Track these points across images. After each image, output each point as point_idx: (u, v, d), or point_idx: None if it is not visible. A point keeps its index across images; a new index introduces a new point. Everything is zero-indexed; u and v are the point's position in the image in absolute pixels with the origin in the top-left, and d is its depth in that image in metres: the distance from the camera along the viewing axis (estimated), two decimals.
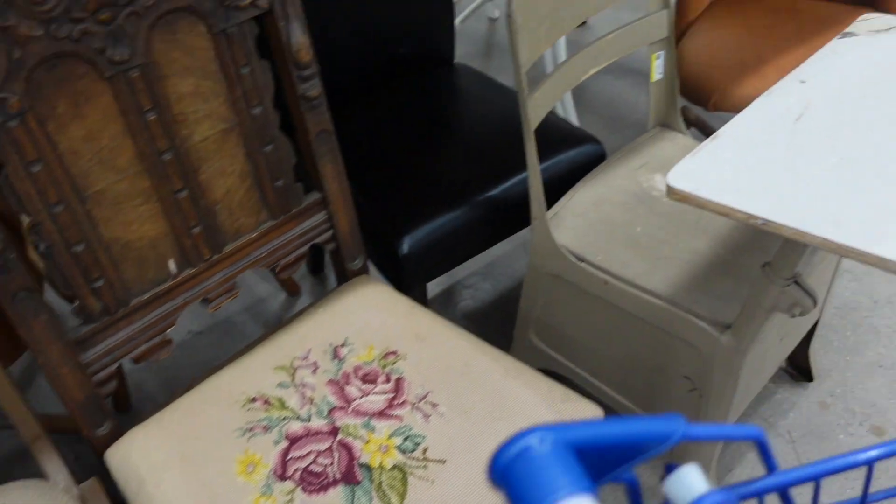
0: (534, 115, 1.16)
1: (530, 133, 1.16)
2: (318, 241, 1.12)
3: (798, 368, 1.56)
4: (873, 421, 1.49)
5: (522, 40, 1.09)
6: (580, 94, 2.37)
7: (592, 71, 1.28)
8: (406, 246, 1.26)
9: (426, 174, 1.35)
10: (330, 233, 1.13)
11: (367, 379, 1.03)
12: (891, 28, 1.13)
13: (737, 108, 1.52)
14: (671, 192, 0.89)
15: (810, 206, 0.83)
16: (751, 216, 0.83)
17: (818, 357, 1.59)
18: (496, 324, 1.72)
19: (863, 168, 0.88)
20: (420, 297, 1.38)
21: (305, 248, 1.11)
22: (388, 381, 1.03)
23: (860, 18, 1.17)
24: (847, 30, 1.15)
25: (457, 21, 2.49)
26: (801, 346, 1.51)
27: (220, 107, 0.94)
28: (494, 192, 1.33)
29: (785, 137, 0.93)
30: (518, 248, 1.91)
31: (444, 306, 1.76)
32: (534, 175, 1.21)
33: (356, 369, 1.05)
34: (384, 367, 1.05)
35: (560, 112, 2.01)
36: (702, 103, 1.56)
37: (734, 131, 0.96)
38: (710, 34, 1.66)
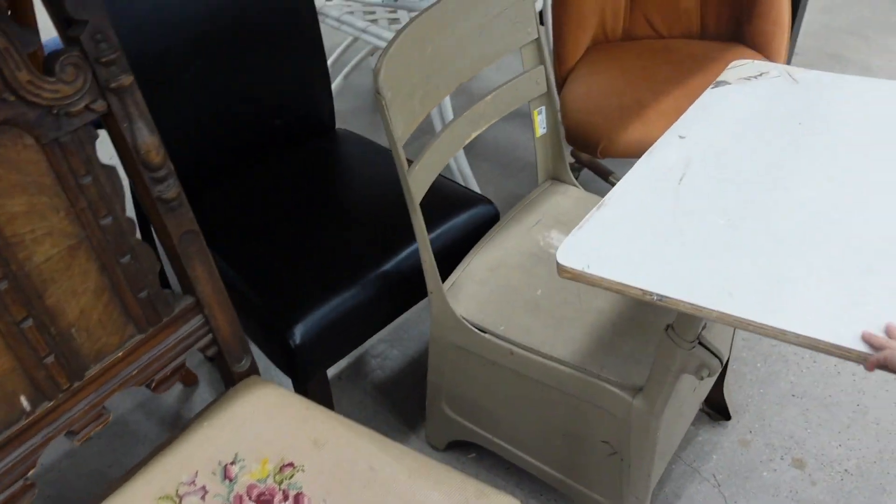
0: (417, 188, 1.11)
1: (415, 207, 1.11)
2: (196, 347, 1.03)
3: (715, 407, 1.54)
4: (794, 454, 1.48)
5: (395, 115, 1.04)
6: (471, 143, 2.34)
7: (474, 135, 1.24)
8: (298, 336, 1.17)
9: (314, 254, 1.28)
10: (209, 337, 1.03)
11: (263, 499, 0.94)
12: (761, 74, 1.14)
13: (624, 154, 1.52)
14: (561, 270, 0.84)
15: (704, 277, 0.79)
16: (645, 292, 0.79)
17: (733, 393, 1.59)
18: (409, 393, 1.64)
19: (751, 228, 0.85)
20: (320, 387, 1.30)
21: (182, 357, 1.01)
22: (286, 498, 0.94)
23: (731, 66, 1.17)
24: (719, 78, 1.15)
25: (340, 77, 2.43)
26: (715, 384, 1.50)
27: (62, 222, 0.84)
28: (388, 266, 1.26)
29: (671, 201, 0.91)
30: (425, 310, 1.84)
31: (352, 381, 1.67)
32: (424, 249, 1.15)
33: (250, 489, 0.95)
34: (280, 482, 0.95)
35: (452, 165, 1.97)
36: (590, 151, 1.55)
37: (619, 198, 0.93)
38: (589, 81, 1.66)
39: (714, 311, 0.76)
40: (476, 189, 2.00)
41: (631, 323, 1.17)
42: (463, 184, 1.99)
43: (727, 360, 1.44)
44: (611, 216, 0.90)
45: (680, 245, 0.84)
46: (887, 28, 2.94)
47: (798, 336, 0.72)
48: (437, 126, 1.89)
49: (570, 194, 1.42)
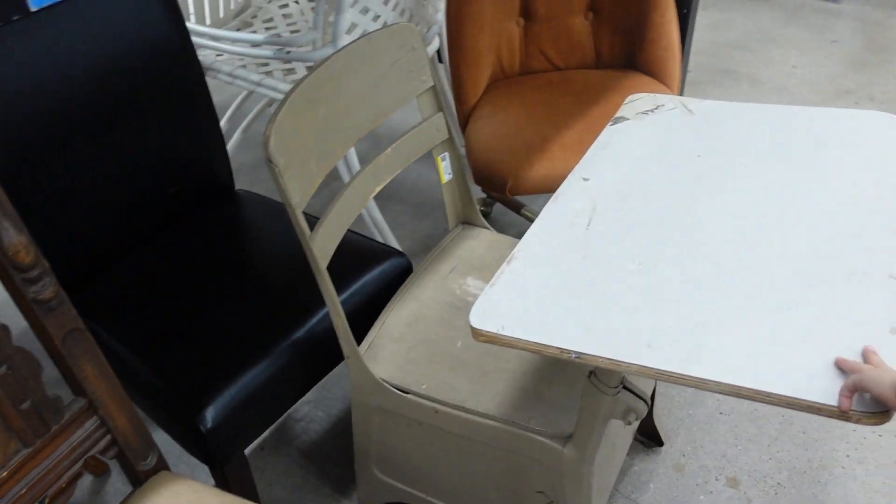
0: (321, 252, 1.06)
1: (321, 271, 1.06)
2: (93, 452, 0.94)
3: (647, 435, 1.54)
4: (727, 472, 1.49)
5: (290, 181, 0.99)
6: (383, 188, 2.31)
7: (378, 188, 1.21)
8: (210, 419, 1.10)
9: (220, 328, 1.21)
10: (107, 439, 0.95)
11: None
12: (657, 107, 1.15)
13: (532, 191, 1.51)
14: (477, 334, 0.81)
15: (621, 329, 0.77)
16: (563, 350, 0.77)
17: (663, 418, 1.58)
18: (339, 456, 1.57)
19: (662, 272, 0.84)
20: (240, 469, 1.22)
21: (79, 465, 0.93)
22: None
23: (627, 100, 1.18)
24: (617, 114, 1.15)
25: (238, 131, 2.36)
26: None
27: None
28: (301, 332, 1.21)
29: (580, 249, 0.89)
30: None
31: (276, 449, 1.60)
32: (335, 313, 1.10)
33: None
34: None
35: (363, 211, 1.93)
36: (498, 191, 1.54)
37: (529, 248, 0.90)
38: (492, 119, 1.65)
39: (633, 364, 0.74)
40: (390, 234, 1.96)
41: (555, 369, 1.14)
42: (375, 231, 1.94)
43: (655, 385, 1.44)
44: (522, 269, 0.88)
45: (594, 296, 0.82)
46: (771, 41, 3.07)
47: (719, 384, 0.70)
48: (344, 173, 1.85)
49: (482, 238, 1.40)
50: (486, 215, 2.17)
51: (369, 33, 1.16)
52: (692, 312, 0.78)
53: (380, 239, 1.98)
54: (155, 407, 1.16)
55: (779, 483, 1.46)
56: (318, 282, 1.07)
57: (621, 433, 1.28)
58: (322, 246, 1.06)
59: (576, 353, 0.76)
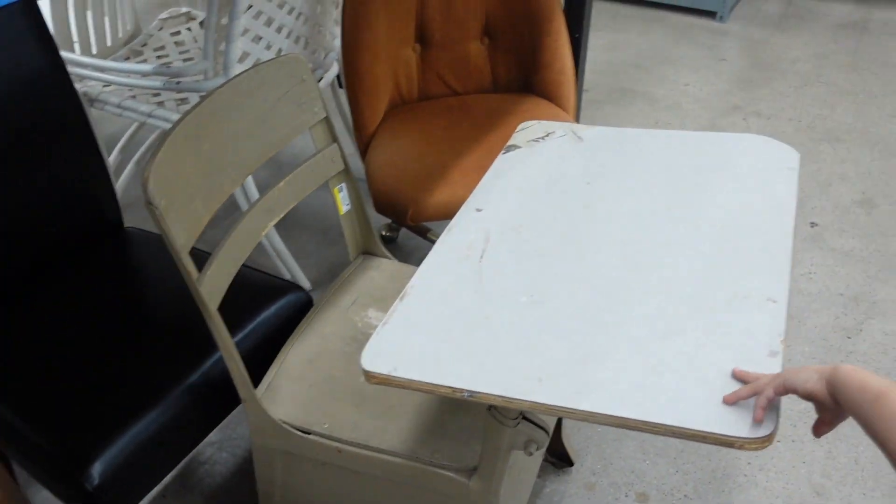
0: (210, 294, 1.02)
1: (211, 314, 1.02)
2: None
3: (557, 455, 1.55)
4: (636, 488, 1.51)
5: (174, 223, 0.95)
6: (287, 215, 2.26)
7: (271, 224, 1.17)
8: (96, 476, 1.04)
9: (107, 378, 1.14)
10: None
11: None
12: (548, 134, 1.16)
13: (434, 218, 1.50)
14: (368, 377, 0.79)
15: (513, 365, 0.77)
16: (455, 390, 0.76)
17: (572, 437, 1.60)
18: (245, 500, 1.51)
19: (554, 304, 0.85)
20: None
21: None
22: None
23: (519, 128, 1.19)
24: (509, 142, 1.15)
25: (131, 163, 2.27)
26: (554, 433, 1.50)
27: None
28: (195, 377, 1.16)
29: (473, 282, 0.88)
30: None
31: (179, 496, 1.52)
32: (229, 357, 1.06)
33: None
34: None
35: (264, 242, 1.88)
36: (400, 219, 1.52)
37: (422, 284, 0.89)
38: (392, 147, 1.64)
39: (525, 401, 0.73)
40: (294, 264, 1.92)
41: (459, 401, 1.13)
42: (279, 262, 1.90)
43: None
44: (415, 307, 0.86)
45: (487, 331, 0.82)
46: (664, 60, 3.19)
47: (607, 417, 0.71)
48: (241, 202, 1.80)
49: (383, 268, 1.38)
50: (391, 240, 2.15)
51: (256, 65, 1.13)
52: (582, 344, 0.78)
53: (284, 270, 1.93)
54: (37, 467, 1.09)
55: (685, 495, 1.50)
56: (209, 325, 1.02)
57: (528, 464, 1.28)
58: (212, 287, 1.02)
59: (468, 391, 0.75)
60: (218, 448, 1.63)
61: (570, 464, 1.55)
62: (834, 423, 0.70)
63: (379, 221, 2.22)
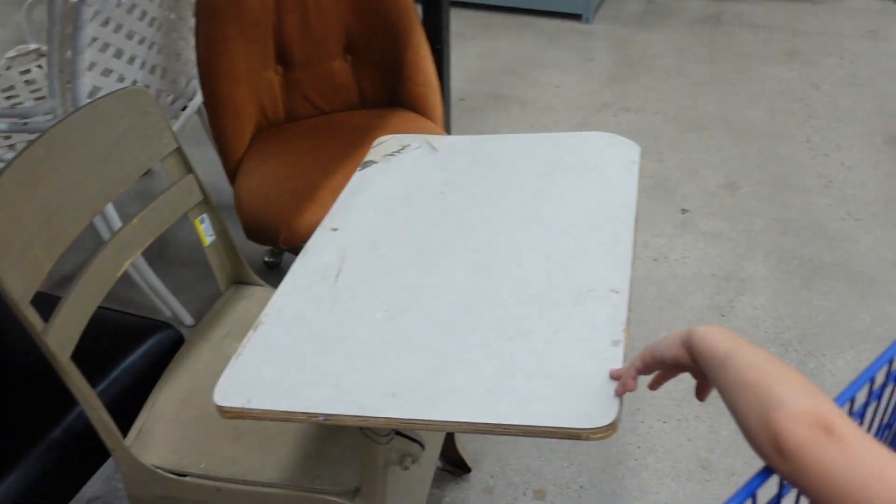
0: (60, 344, 0.97)
1: (63, 365, 0.97)
2: None
3: (453, 463, 1.55)
4: (534, 486, 1.53)
5: (9, 273, 0.90)
6: (162, 248, 2.19)
7: (127, 263, 1.13)
8: None
9: None
10: None
11: None
12: (403, 147, 1.17)
13: (308, 239, 1.48)
14: (222, 412, 0.77)
15: (368, 383, 0.77)
16: (310, 415, 0.75)
17: (467, 443, 1.61)
18: None
19: (408, 318, 0.85)
20: None
21: None
22: None
23: (375, 143, 1.19)
24: (366, 158, 1.15)
25: None
26: (447, 441, 1.50)
27: None
28: (56, 433, 1.10)
29: (328, 304, 0.87)
30: None
31: None
32: (90, 408, 1.01)
33: None
34: None
35: (138, 279, 1.81)
36: (272, 243, 1.50)
37: (277, 311, 0.88)
38: (260, 171, 1.61)
39: (380, 418, 0.73)
40: (173, 300, 1.86)
41: (335, 425, 1.12)
42: (156, 299, 1.83)
43: None
44: (270, 335, 0.85)
45: (342, 352, 0.81)
46: (535, 64, 3.28)
47: (460, 424, 0.71)
48: (103, 231, 1.72)
49: (256, 296, 1.35)
50: (275, 265, 2.12)
51: (93, 101, 1.09)
52: (435, 355, 0.79)
53: (163, 307, 1.87)
54: None
55: (581, 486, 1.53)
56: (63, 377, 0.97)
57: (419, 469, 1.28)
58: (61, 336, 0.97)
59: (323, 415, 0.74)
60: (103, 503, 1.55)
61: (468, 470, 1.55)
62: (711, 383, 0.66)
63: (261, 248, 2.18)
